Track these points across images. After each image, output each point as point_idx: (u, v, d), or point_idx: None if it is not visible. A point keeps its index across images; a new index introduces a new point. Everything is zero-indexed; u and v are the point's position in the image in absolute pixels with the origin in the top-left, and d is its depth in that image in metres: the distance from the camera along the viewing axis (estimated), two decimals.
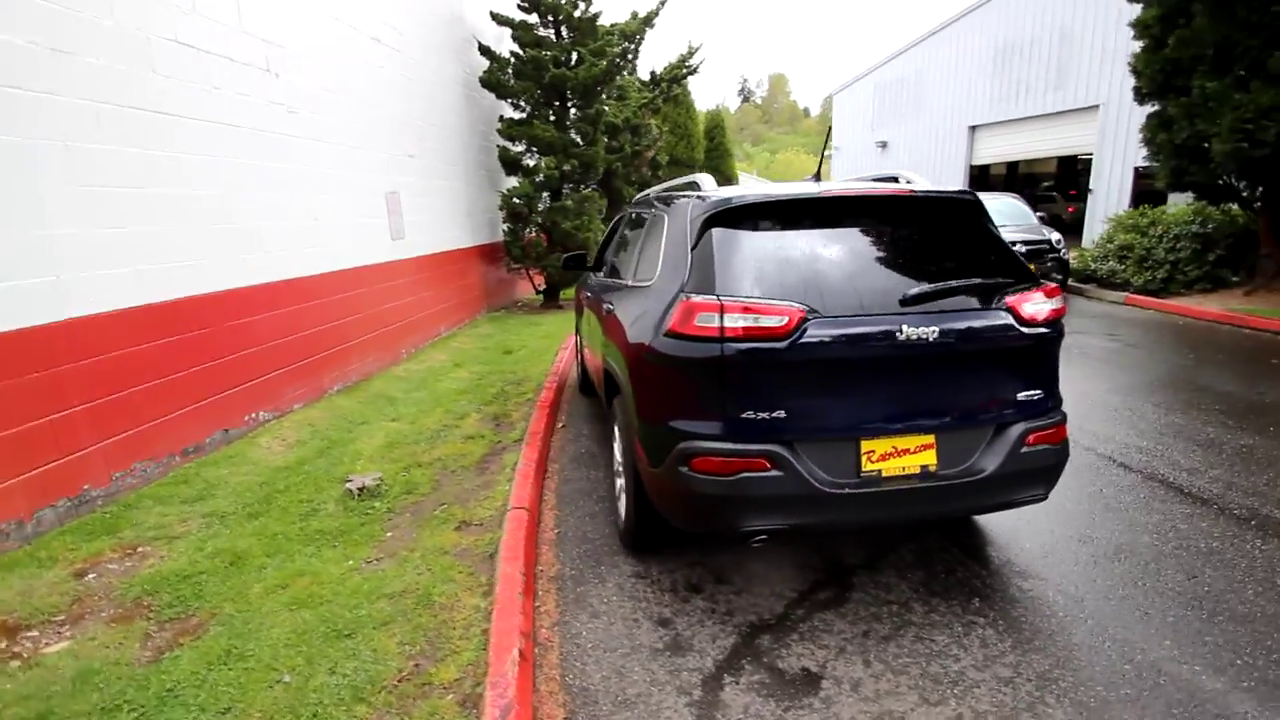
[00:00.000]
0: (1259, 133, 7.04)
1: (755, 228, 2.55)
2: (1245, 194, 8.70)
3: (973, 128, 20.35)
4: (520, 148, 9.85)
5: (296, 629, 2.54)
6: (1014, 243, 9.05)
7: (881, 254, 2.52)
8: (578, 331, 6.01)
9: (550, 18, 9.61)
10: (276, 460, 4.28)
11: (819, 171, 3.02)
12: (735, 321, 2.29)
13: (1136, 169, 15.46)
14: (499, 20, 9.56)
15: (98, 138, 3.56)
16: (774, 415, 2.33)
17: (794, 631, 2.57)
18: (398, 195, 6.99)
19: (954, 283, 2.42)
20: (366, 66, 6.42)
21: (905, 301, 2.37)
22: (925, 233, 2.62)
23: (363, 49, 6.37)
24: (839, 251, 2.50)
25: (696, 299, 2.38)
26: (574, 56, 9.30)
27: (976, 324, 2.39)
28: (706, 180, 3.02)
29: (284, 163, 5.09)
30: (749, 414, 2.34)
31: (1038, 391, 2.53)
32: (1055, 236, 10.48)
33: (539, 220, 9.65)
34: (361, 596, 2.75)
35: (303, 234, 5.30)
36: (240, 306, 4.56)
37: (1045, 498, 2.61)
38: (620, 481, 3.32)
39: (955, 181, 21.20)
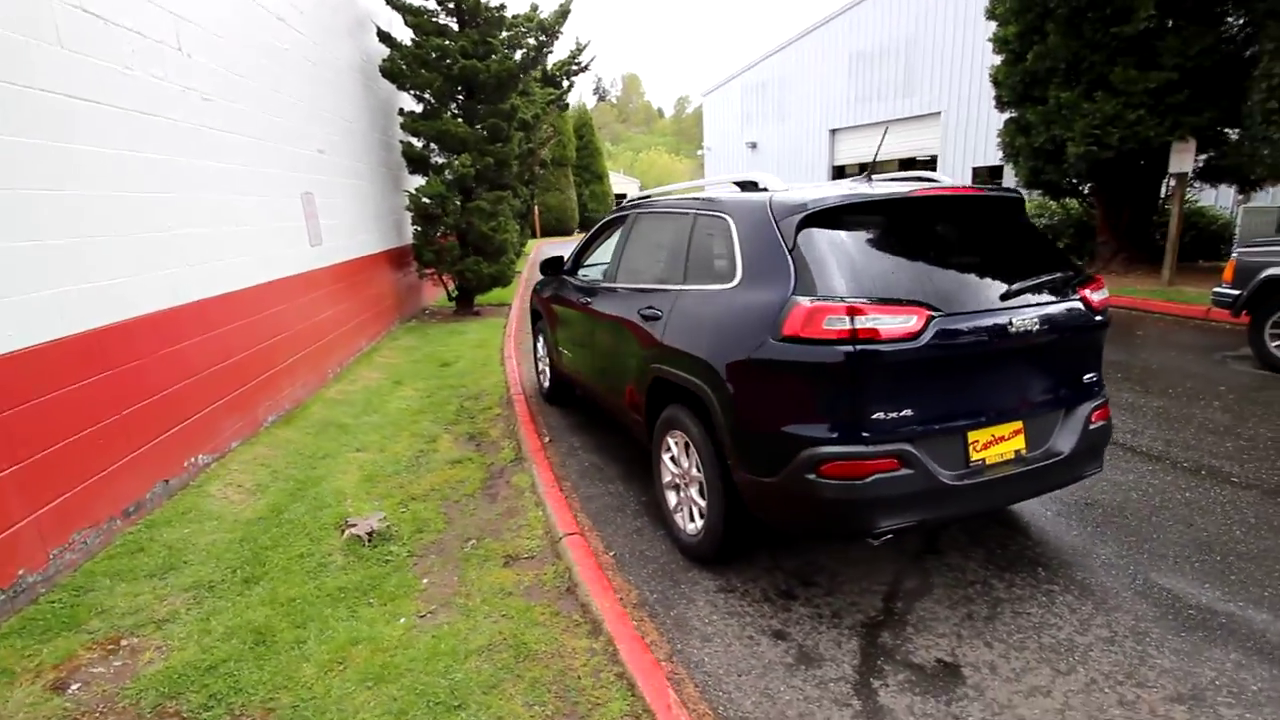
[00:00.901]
0: (1105, 137, 8.27)
1: (851, 227, 2.54)
2: (1084, 191, 10.21)
3: (833, 131, 22.10)
4: (425, 144, 9.15)
5: (389, 710, 2.15)
6: None
7: (968, 251, 2.62)
8: (539, 339, 5.70)
9: (451, 4, 9.00)
10: (243, 511, 3.62)
11: (870, 168, 3.07)
12: (867, 323, 2.27)
13: (974, 169, 17.63)
14: (393, 4, 8.79)
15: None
16: (901, 414, 2.34)
17: (906, 625, 2.61)
18: (313, 196, 6.21)
19: (1045, 276, 2.57)
20: (274, 49, 5.61)
21: (1005, 296, 2.48)
22: (992, 229, 2.76)
23: (270, 29, 5.56)
24: (933, 249, 2.56)
25: (820, 302, 2.33)
26: (483, 48, 8.79)
27: (1062, 313, 2.56)
28: (769, 179, 2.97)
29: (204, 159, 4.31)
30: (879, 415, 2.33)
31: (1094, 373, 2.77)
32: None
33: (452, 222, 9.03)
34: (445, 658, 2.40)
35: (228, 242, 4.52)
36: (170, 331, 3.79)
37: (1101, 469, 2.87)
38: (675, 496, 3.19)
39: (820, 178, 22.87)
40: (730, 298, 2.73)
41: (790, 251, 2.52)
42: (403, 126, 8.98)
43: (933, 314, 2.32)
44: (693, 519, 3.07)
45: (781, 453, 2.43)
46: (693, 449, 2.95)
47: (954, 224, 2.69)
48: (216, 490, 3.83)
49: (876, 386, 2.32)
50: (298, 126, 6.02)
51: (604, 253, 5.23)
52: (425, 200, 8.87)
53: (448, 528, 3.49)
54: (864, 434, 2.33)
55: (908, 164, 25.84)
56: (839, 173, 23.34)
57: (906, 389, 2.35)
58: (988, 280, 2.53)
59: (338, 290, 6.72)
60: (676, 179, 70.41)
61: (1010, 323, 2.42)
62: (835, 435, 2.34)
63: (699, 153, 32.31)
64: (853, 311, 2.28)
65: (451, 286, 9.99)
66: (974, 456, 2.48)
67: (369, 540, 3.26)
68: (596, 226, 4.74)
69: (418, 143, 9.18)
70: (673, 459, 3.20)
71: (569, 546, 3.08)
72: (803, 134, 23.22)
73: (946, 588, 2.84)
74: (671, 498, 3.27)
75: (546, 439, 4.88)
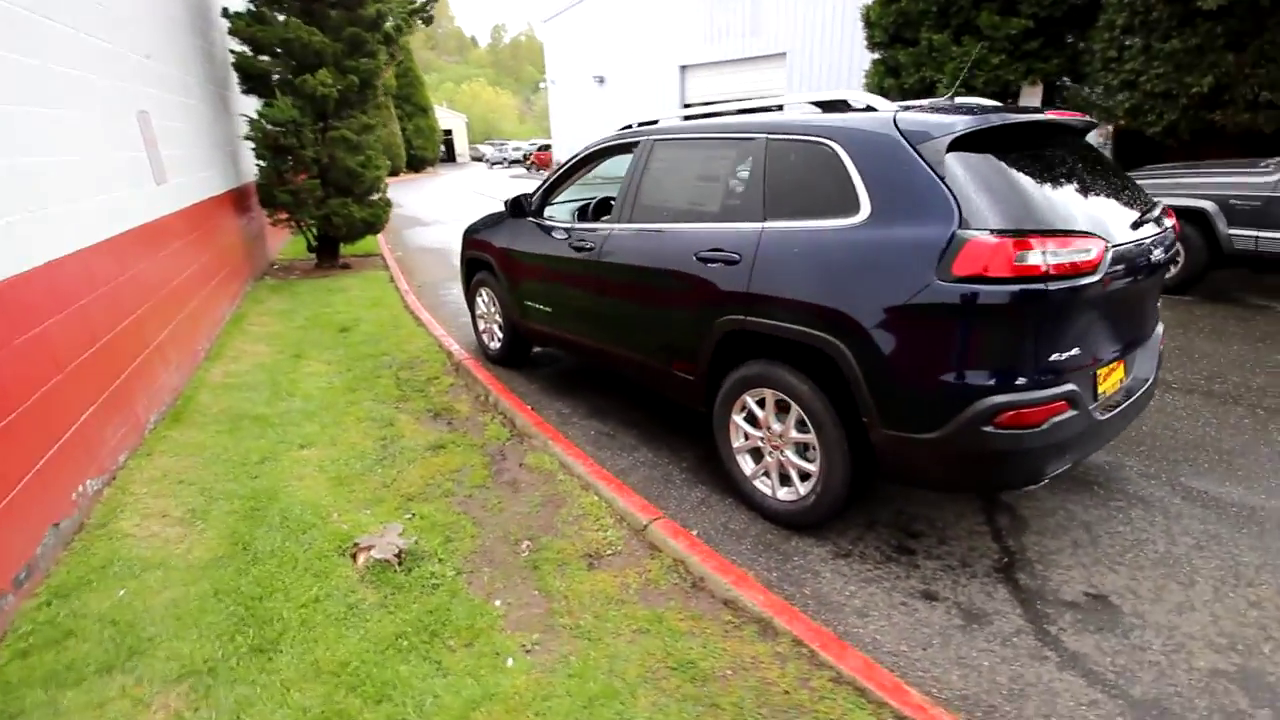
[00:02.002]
0: (971, 80, 8.95)
1: (993, 153, 2.30)
2: None
3: (683, 67, 21.90)
4: (267, 58, 7.35)
5: None
6: None
7: (1091, 179, 2.52)
8: (477, 294, 4.93)
9: None
10: (191, 551, 2.64)
11: (955, 92, 2.84)
12: (1056, 256, 2.08)
13: None
14: None
15: None
16: (1070, 354, 2.22)
17: (1033, 563, 2.59)
18: (149, 116, 4.64)
19: (1153, 203, 2.56)
20: None
21: (1135, 225, 2.43)
22: (1092, 157, 2.70)
23: None
24: (1065, 177, 2.42)
25: (1002, 236, 2.08)
26: None
27: (1170, 241, 2.59)
28: (868, 98, 2.62)
29: (38, 59, 2.91)
30: (1054, 355, 2.19)
31: (1160, 300, 2.89)
32: None
33: (312, 155, 7.46)
34: (607, 702, 1.92)
35: (64, 178, 3.17)
36: (25, 307, 2.57)
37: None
38: (753, 461, 2.89)
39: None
40: (858, 235, 2.38)
41: (942, 180, 2.23)
42: (232, 31, 7.09)
43: (1107, 244, 2.20)
44: (785, 484, 2.79)
45: (946, 405, 2.21)
46: (793, 408, 2.64)
47: (1071, 152, 2.58)
48: (134, 527, 2.77)
49: (1054, 324, 2.16)
50: (125, 21, 4.39)
51: (579, 190, 4.59)
52: (273, 128, 7.19)
53: (481, 531, 2.86)
54: (1041, 377, 2.18)
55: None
56: None
57: (1075, 325, 2.22)
58: (1115, 208, 2.46)
59: (193, 242, 5.22)
60: (503, 114, 66.52)
61: (1152, 252, 2.38)
62: (1012, 382, 2.16)
63: (541, 85, 30.58)
64: (1041, 243, 2.07)
65: (312, 235, 8.39)
66: (1100, 389, 2.46)
67: (401, 563, 2.55)
68: (573, 159, 4.06)
69: (250, 52, 7.33)
70: (750, 420, 2.86)
71: (663, 533, 2.65)
72: (652, 69, 22.75)
73: (1039, 517, 2.88)
74: (747, 463, 2.95)
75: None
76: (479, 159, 47.11)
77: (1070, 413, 2.23)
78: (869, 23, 10.41)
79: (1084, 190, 2.42)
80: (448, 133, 45.02)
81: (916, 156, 2.30)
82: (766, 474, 2.88)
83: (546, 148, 30.22)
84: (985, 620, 2.29)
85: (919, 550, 2.69)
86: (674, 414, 3.95)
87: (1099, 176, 2.58)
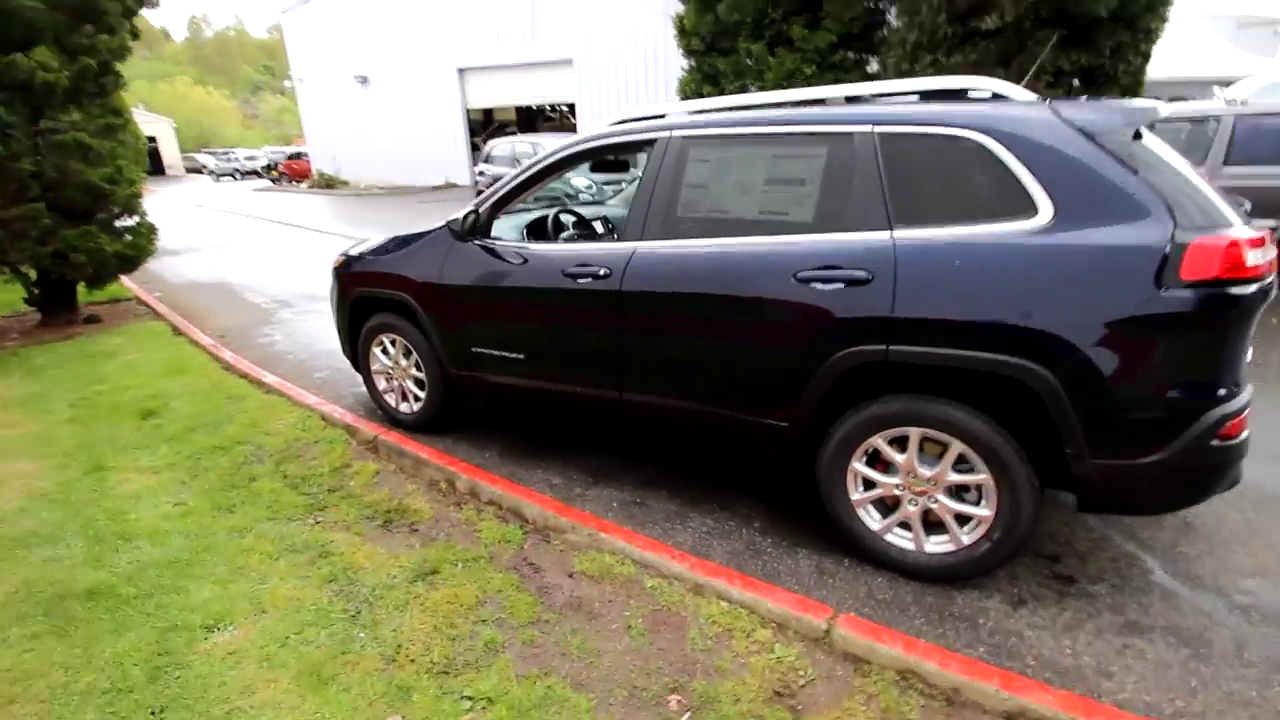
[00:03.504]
0: (790, 89, 9.52)
1: (1150, 143, 2.14)
2: None
3: (462, 70, 20.50)
4: None
5: None
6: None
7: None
8: (376, 345, 3.75)
9: None
10: None
11: (1029, 76, 2.67)
12: (1262, 257, 1.96)
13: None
14: None
15: None
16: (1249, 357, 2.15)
17: (1190, 559, 2.53)
18: None
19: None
20: None
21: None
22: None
23: None
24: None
25: (1227, 234, 1.90)
26: None
27: None
28: (996, 84, 2.31)
29: None
30: (1246, 360, 2.09)
31: None
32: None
33: (30, 168, 5.16)
34: None
35: None
36: None
37: None
38: (883, 514, 2.45)
39: (456, 124, 21.25)
40: (1047, 241, 2.05)
41: (1137, 174, 2.00)
42: None
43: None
44: (932, 532, 2.39)
45: (1172, 423, 1.99)
46: (954, 447, 2.24)
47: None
48: None
49: (1250, 326, 2.06)
50: None
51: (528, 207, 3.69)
52: None
53: (593, 698, 1.97)
54: (1240, 383, 2.07)
55: (537, 111, 25.53)
56: (487, 117, 22.06)
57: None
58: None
59: None
60: (221, 119, 56.66)
61: None
62: (1231, 390, 2.02)
63: (287, 83, 26.56)
64: (1257, 243, 1.94)
65: (32, 277, 5.85)
66: None
67: None
68: (536, 164, 3.17)
69: None
70: (875, 464, 2.41)
71: (857, 634, 2.05)
72: (427, 71, 20.92)
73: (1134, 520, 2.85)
74: (870, 516, 2.48)
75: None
76: (198, 170, 39.60)
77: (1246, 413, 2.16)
78: (683, 31, 10.56)
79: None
80: (151, 140, 36.96)
81: (1100, 149, 2.03)
82: (904, 525, 2.44)
83: (300, 155, 26.27)
84: (1202, 641, 2.13)
85: (1077, 576, 2.47)
86: (693, 461, 3.32)
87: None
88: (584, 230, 3.91)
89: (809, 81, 9.50)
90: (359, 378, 4.20)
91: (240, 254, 10.87)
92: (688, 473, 3.24)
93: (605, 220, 4.07)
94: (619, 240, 2.86)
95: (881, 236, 2.28)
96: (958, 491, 2.33)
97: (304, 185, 24.27)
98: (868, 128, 2.35)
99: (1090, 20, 7.65)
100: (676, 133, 2.76)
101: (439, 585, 2.47)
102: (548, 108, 26.71)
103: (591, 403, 3.07)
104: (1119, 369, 1.99)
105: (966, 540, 2.32)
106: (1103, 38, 7.87)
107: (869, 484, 2.47)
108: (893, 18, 9.59)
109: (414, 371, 3.70)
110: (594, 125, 3.12)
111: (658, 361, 2.80)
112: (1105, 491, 2.14)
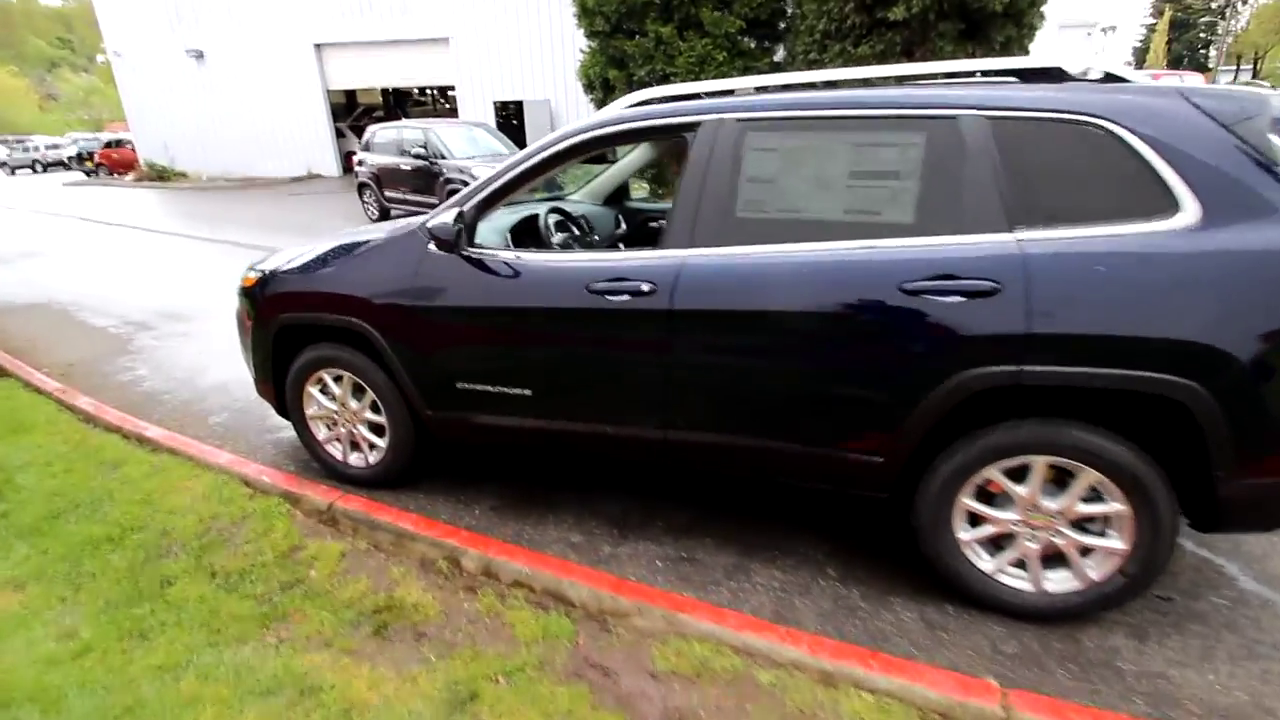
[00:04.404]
0: (701, 75, 9.27)
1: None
2: None
3: (319, 46, 18.35)
4: None
5: None
6: None
7: None
8: (313, 382, 2.98)
9: None
10: None
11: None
12: None
13: (496, 103, 17.53)
14: None
15: None
16: None
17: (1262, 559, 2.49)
18: None
19: None
20: None
21: None
22: None
23: None
24: None
25: None
26: None
27: None
28: (1120, 69, 2.07)
29: None
30: None
31: None
32: None
33: None
34: None
35: None
36: None
37: None
38: (1006, 551, 2.18)
39: (317, 108, 19.09)
40: (1198, 243, 1.82)
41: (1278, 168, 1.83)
42: None
43: None
44: (1053, 566, 2.16)
45: None
46: (1083, 475, 2.00)
47: None
48: None
49: None
50: None
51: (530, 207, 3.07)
52: None
53: None
54: None
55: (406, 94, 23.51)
56: (350, 99, 19.91)
57: None
58: None
59: None
60: (11, 100, 47.41)
61: None
62: None
63: (100, 59, 22.62)
64: None
65: None
66: None
67: None
68: (537, 155, 2.56)
69: None
70: (985, 500, 2.14)
71: (1036, 715, 1.74)
72: (277, 46, 18.49)
73: None
74: (979, 555, 2.21)
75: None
76: None
77: None
78: (586, 10, 9.95)
79: None
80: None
81: (1241, 141, 1.84)
82: (1021, 564, 2.19)
83: (120, 143, 22.44)
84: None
85: (1172, 593, 2.34)
86: (727, 497, 2.90)
87: None
88: (581, 233, 3.34)
89: (720, 69, 9.29)
90: (274, 417, 3.38)
91: (63, 264, 8.89)
92: (725, 511, 2.82)
93: (587, 220, 3.50)
94: (661, 248, 2.35)
95: (1004, 239, 1.96)
96: (1080, 524, 2.10)
97: (129, 178, 20.76)
98: (974, 113, 2.02)
99: (986, 15, 8.01)
100: (729, 115, 2.28)
101: (485, 717, 1.87)
102: (418, 91, 24.82)
103: (625, 445, 2.55)
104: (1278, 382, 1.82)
105: (1096, 576, 2.10)
106: (995, 32, 8.28)
107: (975, 520, 2.19)
108: (790, 6, 9.60)
109: (368, 414, 2.97)
110: (613, 107, 2.55)
111: (715, 393, 2.34)
112: (1247, 512, 1.98)
